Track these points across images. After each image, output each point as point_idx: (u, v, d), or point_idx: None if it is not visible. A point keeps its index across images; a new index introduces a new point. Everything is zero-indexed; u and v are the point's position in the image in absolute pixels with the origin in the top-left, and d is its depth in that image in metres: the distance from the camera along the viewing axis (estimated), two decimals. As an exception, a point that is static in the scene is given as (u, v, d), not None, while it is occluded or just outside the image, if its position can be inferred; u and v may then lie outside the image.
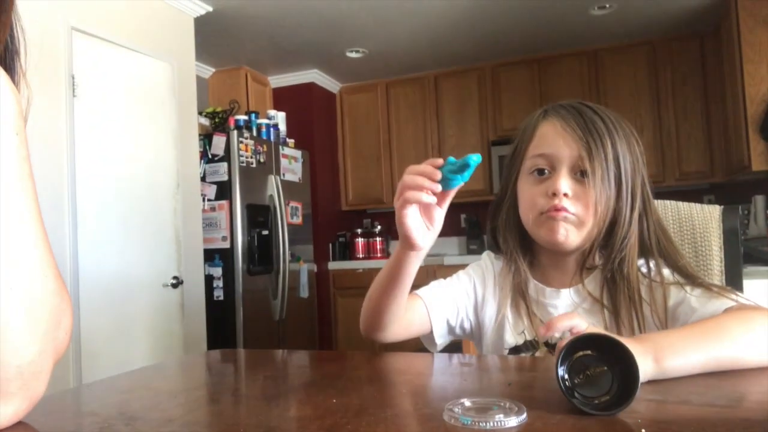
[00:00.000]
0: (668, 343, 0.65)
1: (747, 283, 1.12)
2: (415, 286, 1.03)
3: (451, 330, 0.98)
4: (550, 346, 0.89)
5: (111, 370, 0.94)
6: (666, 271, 0.87)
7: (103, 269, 2.58)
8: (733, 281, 1.07)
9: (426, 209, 0.75)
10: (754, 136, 3.29)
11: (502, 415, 0.52)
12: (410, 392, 0.68)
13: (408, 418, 0.57)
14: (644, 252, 0.88)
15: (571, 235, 0.86)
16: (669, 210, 1.13)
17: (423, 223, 0.76)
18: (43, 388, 0.54)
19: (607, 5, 3.60)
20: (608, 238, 0.87)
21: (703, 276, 0.97)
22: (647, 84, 4.19)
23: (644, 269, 0.88)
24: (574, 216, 0.85)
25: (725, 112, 3.86)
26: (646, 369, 0.61)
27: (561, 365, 0.57)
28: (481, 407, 0.55)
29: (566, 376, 0.57)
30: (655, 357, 0.63)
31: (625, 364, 0.55)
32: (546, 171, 0.88)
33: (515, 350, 0.92)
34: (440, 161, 0.72)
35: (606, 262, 0.87)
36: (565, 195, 0.84)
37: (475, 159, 0.69)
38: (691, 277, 0.85)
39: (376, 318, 0.88)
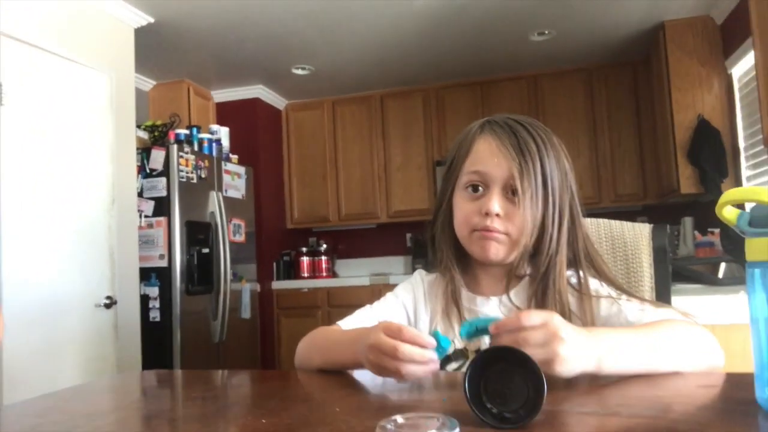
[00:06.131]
0: (617, 350, 0.71)
1: (675, 300, 1.17)
2: (359, 305, 1.02)
3: None
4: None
5: (36, 395, 0.88)
6: (594, 282, 0.91)
7: (29, 288, 2.43)
8: (663, 297, 1.11)
9: None
10: (683, 160, 3.47)
11: (434, 431, 0.50)
12: (343, 411, 0.65)
13: (339, 437, 0.55)
14: (572, 264, 0.92)
15: (502, 252, 0.89)
16: (602, 228, 1.16)
17: None
18: None
19: (546, 32, 3.74)
20: (536, 249, 0.90)
21: (634, 292, 1.00)
22: (584, 108, 4.36)
23: (573, 280, 0.91)
24: (505, 235, 0.89)
25: (656, 137, 4.06)
26: (586, 368, 0.68)
27: (471, 378, 0.57)
28: (413, 423, 0.53)
29: (480, 390, 0.57)
30: (598, 361, 0.69)
31: (534, 376, 0.55)
32: (480, 188, 0.90)
33: (446, 360, 0.92)
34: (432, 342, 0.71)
35: (535, 274, 0.90)
36: (497, 215, 0.88)
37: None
38: (622, 290, 0.90)
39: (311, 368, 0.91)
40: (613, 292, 0.90)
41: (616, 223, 1.16)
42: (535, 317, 0.68)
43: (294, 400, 0.71)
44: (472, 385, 0.57)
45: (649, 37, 3.81)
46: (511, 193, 0.88)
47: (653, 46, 3.85)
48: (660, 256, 1.15)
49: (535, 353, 0.67)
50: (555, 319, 0.68)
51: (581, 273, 0.91)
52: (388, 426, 0.52)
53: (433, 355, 0.70)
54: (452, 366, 0.92)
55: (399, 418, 0.54)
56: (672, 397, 0.67)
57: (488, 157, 0.90)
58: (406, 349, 0.69)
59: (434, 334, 0.71)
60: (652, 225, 1.15)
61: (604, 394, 0.69)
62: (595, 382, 0.71)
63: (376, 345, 0.72)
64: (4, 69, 2.40)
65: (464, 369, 0.88)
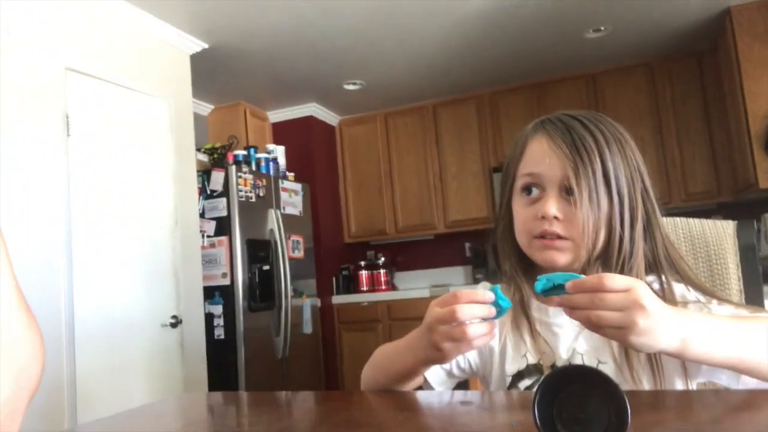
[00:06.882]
0: (706, 333, 0.66)
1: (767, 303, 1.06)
2: (420, 317, 0.97)
3: (448, 373, 0.94)
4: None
5: (107, 414, 0.90)
6: (679, 287, 0.83)
7: (99, 309, 2.52)
8: (753, 301, 1.01)
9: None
10: (759, 152, 3.24)
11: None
12: (406, 436, 0.61)
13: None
14: (653, 268, 0.84)
15: (565, 257, 0.83)
16: (680, 228, 1.07)
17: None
18: (17, 426, 0.52)
19: (602, 28, 3.60)
20: (608, 252, 0.83)
21: (723, 296, 0.91)
22: (647, 105, 4.16)
23: (656, 286, 0.83)
24: (567, 240, 0.82)
25: (728, 130, 3.82)
26: (668, 347, 0.64)
27: (541, 401, 0.51)
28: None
29: (553, 415, 0.51)
30: (682, 342, 0.64)
31: (615, 399, 0.49)
32: (535, 190, 0.85)
33: (518, 376, 0.86)
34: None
35: None
36: (556, 218, 0.82)
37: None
38: (711, 295, 0.82)
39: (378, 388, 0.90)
40: (702, 297, 0.81)
41: (695, 222, 1.07)
42: (619, 280, 0.63)
43: (352, 424, 0.67)
44: (542, 409, 0.51)
45: (713, 25, 3.60)
46: (568, 193, 0.82)
47: (719, 33, 3.63)
48: (748, 255, 1.05)
49: (610, 317, 0.62)
50: (640, 286, 0.63)
51: (663, 277, 0.83)
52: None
53: (492, 309, 0.68)
54: (525, 383, 0.85)
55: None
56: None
57: (540, 157, 0.84)
58: (464, 307, 0.68)
59: (493, 290, 0.69)
60: (736, 222, 1.06)
61: (698, 416, 0.61)
62: (685, 402, 0.63)
63: (435, 320, 0.71)
64: (71, 101, 2.52)
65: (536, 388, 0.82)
